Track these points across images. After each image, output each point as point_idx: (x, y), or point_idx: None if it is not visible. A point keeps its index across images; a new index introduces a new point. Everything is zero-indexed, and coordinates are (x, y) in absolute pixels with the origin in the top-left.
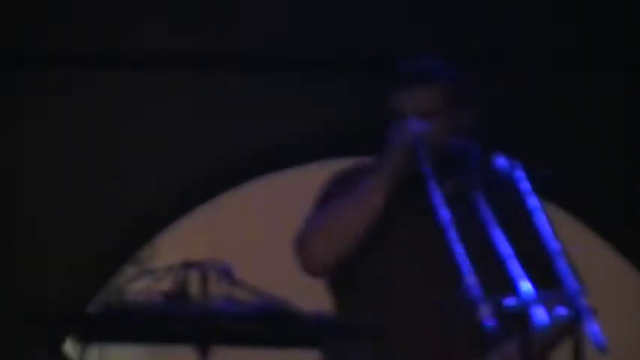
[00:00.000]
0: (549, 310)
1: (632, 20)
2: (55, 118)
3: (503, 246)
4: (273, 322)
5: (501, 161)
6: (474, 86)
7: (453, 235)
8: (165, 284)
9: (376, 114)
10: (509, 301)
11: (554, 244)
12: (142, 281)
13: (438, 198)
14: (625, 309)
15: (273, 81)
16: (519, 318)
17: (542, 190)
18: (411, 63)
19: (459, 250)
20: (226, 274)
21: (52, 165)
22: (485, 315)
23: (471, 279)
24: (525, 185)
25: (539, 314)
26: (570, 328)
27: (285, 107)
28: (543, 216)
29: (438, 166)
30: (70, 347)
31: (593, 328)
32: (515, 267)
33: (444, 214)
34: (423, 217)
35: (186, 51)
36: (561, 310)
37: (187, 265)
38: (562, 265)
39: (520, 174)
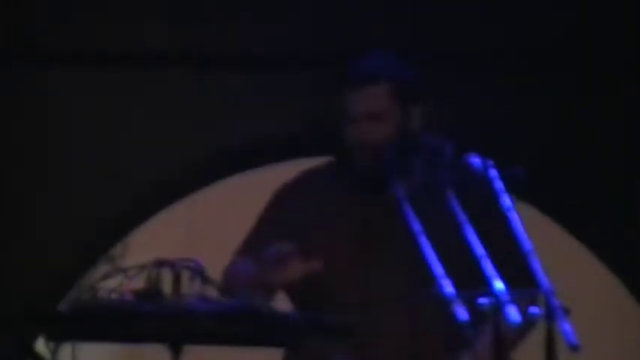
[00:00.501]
0: (522, 309)
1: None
2: (34, 115)
3: (476, 245)
4: (246, 320)
5: (474, 160)
6: (422, 85)
7: (423, 235)
8: (138, 283)
9: None
10: (482, 300)
11: (526, 244)
12: (115, 279)
13: (407, 207)
14: (596, 308)
15: (256, 80)
16: (489, 315)
17: (516, 189)
18: (358, 63)
19: (429, 249)
20: (199, 272)
21: (25, 162)
22: (459, 312)
23: (443, 277)
24: (498, 184)
25: (512, 313)
26: (532, 326)
27: (261, 106)
28: (516, 215)
29: (402, 165)
30: (42, 346)
31: (565, 327)
32: (487, 266)
33: (411, 215)
34: (393, 217)
35: (166, 49)
36: (534, 310)
37: (160, 264)
38: (535, 264)
39: (493, 172)
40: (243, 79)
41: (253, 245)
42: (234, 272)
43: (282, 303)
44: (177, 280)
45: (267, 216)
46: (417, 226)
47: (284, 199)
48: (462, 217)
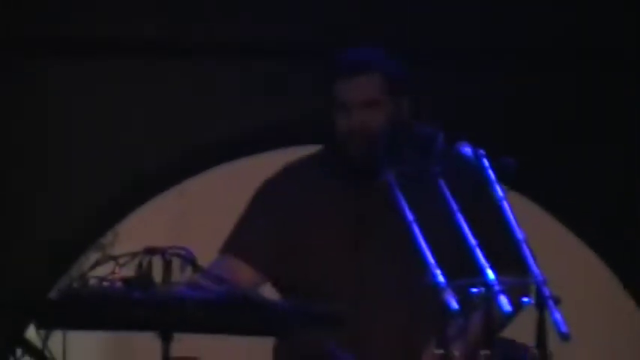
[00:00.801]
0: (513, 298)
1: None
2: (22, 106)
3: (468, 234)
4: (236, 309)
5: (466, 149)
6: (410, 76)
7: (415, 224)
8: (129, 271)
9: None
10: (474, 289)
11: (518, 233)
12: (105, 267)
13: (398, 194)
14: (587, 297)
15: (242, 68)
16: (481, 304)
17: (507, 179)
18: (350, 53)
19: (422, 239)
20: (189, 260)
21: (18, 153)
22: (450, 302)
23: (435, 267)
24: (490, 173)
25: (504, 302)
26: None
27: (250, 95)
28: (507, 204)
29: (394, 154)
30: (33, 333)
31: (556, 316)
32: (479, 255)
33: (404, 204)
34: (385, 207)
35: (144, 38)
36: (525, 299)
37: (150, 252)
38: (526, 253)
39: (485, 162)
40: (208, 67)
41: (237, 243)
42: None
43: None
44: (167, 268)
45: (251, 212)
46: (409, 215)
47: (269, 195)
48: (454, 206)
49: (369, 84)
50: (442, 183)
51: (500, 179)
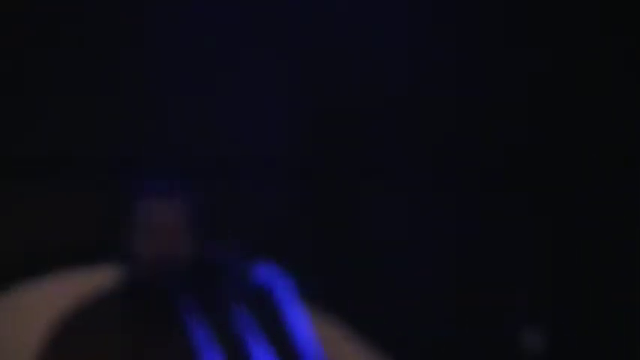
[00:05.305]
0: None
1: None
2: None
3: (264, 356)
4: None
5: (261, 271)
6: (207, 206)
7: (209, 349)
8: None
9: None
10: None
11: (316, 351)
12: None
13: (191, 318)
14: None
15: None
16: None
17: (307, 295)
18: (157, 177)
19: None
20: None
21: None
22: None
23: None
24: (287, 293)
25: None
26: None
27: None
28: (305, 322)
29: (193, 280)
30: None
31: None
32: None
33: (198, 330)
34: (177, 334)
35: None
36: None
37: None
38: None
39: (281, 282)
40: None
41: None
42: None
43: None
44: None
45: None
46: (202, 341)
47: (63, 338)
48: (251, 328)
49: (178, 210)
50: (237, 306)
51: (300, 296)
